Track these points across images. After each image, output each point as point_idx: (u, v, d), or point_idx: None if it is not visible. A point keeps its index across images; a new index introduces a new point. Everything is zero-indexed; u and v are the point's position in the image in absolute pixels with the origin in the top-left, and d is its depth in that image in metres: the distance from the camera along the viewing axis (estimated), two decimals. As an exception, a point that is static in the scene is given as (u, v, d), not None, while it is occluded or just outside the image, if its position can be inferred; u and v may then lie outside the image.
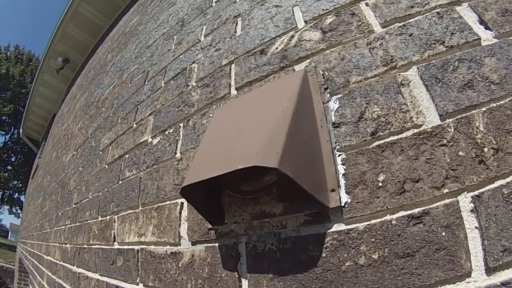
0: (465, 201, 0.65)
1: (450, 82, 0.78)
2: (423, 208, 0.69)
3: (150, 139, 1.82)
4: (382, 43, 0.96)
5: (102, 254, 1.94)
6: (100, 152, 2.67)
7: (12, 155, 35.85)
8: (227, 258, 1.03)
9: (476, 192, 0.65)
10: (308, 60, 1.12)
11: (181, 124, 1.58)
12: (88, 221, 2.39)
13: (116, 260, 1.71)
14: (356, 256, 0.74)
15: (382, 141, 0.81)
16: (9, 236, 42.10)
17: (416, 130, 0.77)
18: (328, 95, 0.98)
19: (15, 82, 32.52)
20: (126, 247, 1.66)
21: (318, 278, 0.78)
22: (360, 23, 1.05)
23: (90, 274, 2.08)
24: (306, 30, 1.20)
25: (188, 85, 1.71)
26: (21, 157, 35.17)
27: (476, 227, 0.62)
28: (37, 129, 11.91)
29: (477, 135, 0.69)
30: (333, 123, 0.92)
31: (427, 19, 0.90)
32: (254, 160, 0.77)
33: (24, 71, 33.24)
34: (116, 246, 1.78)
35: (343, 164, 0.85)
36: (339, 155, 0.87)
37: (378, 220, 0.74)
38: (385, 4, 1.02)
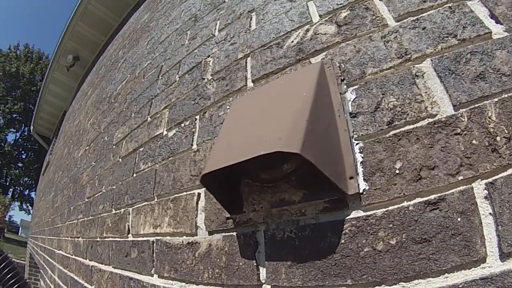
0: (479, 188, 0.67)
1: (463, 73, 0.79)
2: (439, 194, 0.71)
3: (165, 132, 1.84)
4: (396, 36, 0.97)
5: (116, 247, 1.96)
6: (114, 146, 2.70)
7: (23, 152, 36.22)
8: (245, 246, 1.05)
9: (490, 179, 0.66)
10: (324, 53, 1.14)
11: (197, 117, 1.60)
12: (102, 215, 2.41)
13: (130, 252, 1.73)
14: (374, 242, 0.76)
15: (398, 130, 0.83)
16: (20, 232, 42.46)
17: (431, 120, 0.79)
18: (345, 86, 1.00)
19: (25, 80, 32.81)
20: (141, 238, 1.68)
21: (337, 265, 0.80)
22: (374, 17, 1.07)
23: (103, 266, 2.10)
24: (321, 24, 1.22)
25: (204, 79, 1.73)
26: (32, 154, 35.50)
27: (490, 213, 0.64)
28: (47, 126, 11.98)
29: (489, 124, 0.70)
30: (351, 113, 0.94)
31: (440, 13, 0.92)
32: (277, 145, 0.78)
33: (34, 69, 33.51)
34: (130, 238, 1.80)
35: (360, 152, 0.87)
36: (357, 143, 0.89)
37: (396, 206, 0.76)
38: (398, -2, 1.04)
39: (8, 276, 3.41)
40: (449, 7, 0.91)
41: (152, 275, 1.47)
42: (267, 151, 0.79)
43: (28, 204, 36.45)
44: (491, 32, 0.81)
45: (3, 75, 31.82)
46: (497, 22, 0.81)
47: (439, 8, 0.93)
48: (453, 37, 0.86)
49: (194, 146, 1.50)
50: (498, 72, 0.75)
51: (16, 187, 36.52)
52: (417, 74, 0.87)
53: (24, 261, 12.54)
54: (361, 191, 0.82)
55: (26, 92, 32.89)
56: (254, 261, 1.00)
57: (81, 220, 3.00)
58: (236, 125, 1.10)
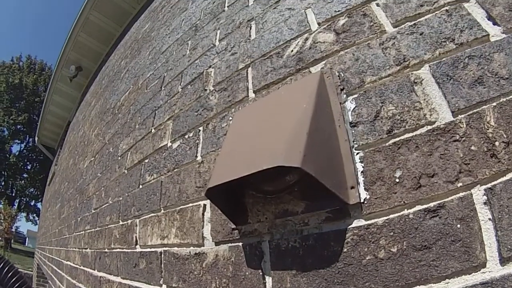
0: (478, 194, 0.67)
1: (461, 79, 0.80)
2: (438, 201, 0.71)
3: (169, 143, 1.86)
4: (394, 42, 0.98)
5: (124, 258, 1.97)
6: (119, 158, 2.71)
7: (28, 163, 36.34)
8: (251, 256, 1.06)
9: (489, 185, 0.67)
10: (324, 62, 1.15)
11: (201, 128, 1.61)
12: (109, 226, 2.42)
13: (139, 262, 1.74)
14: (376, 250, 0.77)
15: (398, 139, 0.83)
16: (27, 242, 42.58)
17: (430, 127, 0.79)
18: (345, 95, 1.00)
19: (29, 91, 32.96)
20: (148, 249, 1.69)
21: (340, 273, 0.81)
22: (372, 23, 1.07)
23: (111, 277, 2.11)
24: (320, 32, 1.23)
25: (206, 89, 1.74)
26: (37, 164, 35.63)
27: (489, 219, 0.64)
28: (52, 137, 12.03)
29: (488, 129, 0.71)
30: (351, 123, 0.95)
31: (437, 17, 0.92)
32: (279, 160, 0.80)
33: (37, 80, 33.70)
34: (138, 249, 1.81)
35: (361, 161, 0.88)
36: (357, 153, 0.90)
37: (396, 214, 0.77)
38: (395, 3, 1.04)
39: (17, 284, 3.42)
40: (446, 10, 0.91)
41: (161, 285, 1.47)
42: (269, 165, 0.81)
43: (34, 215, 36.59)
44: (488, 35, 0.81)
45: (6, 87, 32.00)
46: (495, 23, 0.82)
47: (436, 12, 0.93)
48: (450, 41, 0.86)
49: (199, 158, 1.51)
50: (496, 76, 0.75)
51: (22, 198, 36.66)
52: (415, 81, 0.87)
53: (32, 271, 12.58)
54: (362, 200, 0.83)
55: (30, 103, 33.06)
56: (260, 270, 1.01)
57: (89, 231, 3.00)
58: (239, 138, 1.11)
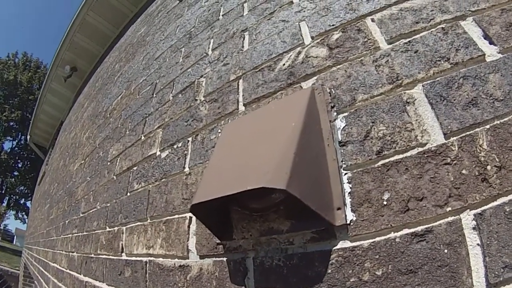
0: (467, 218, 0.67)
1: (454, 100, 0.79)
2: (426, 226, 0.71)
3: (158, 152, 1.84)
4: (388, 60, 0.97)
5: (110, 264, 1.94)
6: (108, 163, 2.69)
7: (19, 161, 36.15)
8: (235, 272, 1.04)
9: (479, 210, 0.66)
10: (315, 77, 1.14)
11: (190, 139, 1.59)
12: (96, 231, 2.40)
13: (124, 270, 1.72)
14: (361, 272, 0.75)
15: (387, 160, 0.82)
16: (15, 241, 42.27)
17: (420, 149, 0.79)
18: (335, 113, 0.99)
19: (23, 88, 32.85)
20: (134, 258, 1.67)
21: (324, 293, 0.80)
22: (366, 39, 1.07)
23: (97, 283, 2.09)
24: (313, 46, 1.22)
25: (196, 100, 1.73)
26: (28, 163, 35.46)
27: (478, 244, 0.63)
28: (44, 136, 11.99)
29: (480, 153, 0.70)
30: (340, 142, 0.93)
31: (432, 35, 0.92)
32: (263, 181, 0.78)
33: (32, 78, 33.60)
34: (124, 257, 1.79)
35: (349, 182, 0.86)
36: (345, 173, 0.88)
37: (383, 237, 0.76)
38: (391, 20, 1.04)
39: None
40: (442, 28, 0.91)
41: (145, 295, 1.45)
42: (253, 186, 0.80)
43: (23, 213, 36.35)
44: (484, 54, 0.81)
45: (1, 83, 31.86)
46: (491, 43, 0.81)
47: (432, 30, 0.93)
48: (445, 60, 0.86)
49: (186, 169, 1.50)
50: (491, 97, 0.74)
51: (12, 196, 36.44)
52: (408, 100, 0.86)
53: (18, 270, 12.48)
54: (348, 222, 0.82)
55: (24, 100, 32.89)
56: (243, 287, 0.99)
57: (76, 235, 2.98)
58: (226, 153, 1.10)
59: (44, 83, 9.46)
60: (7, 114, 32.57)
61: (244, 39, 1.64)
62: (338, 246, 0.81)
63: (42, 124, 11.27)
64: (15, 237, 43.45)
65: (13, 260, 19.25)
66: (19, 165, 36.18)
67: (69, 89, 8.89)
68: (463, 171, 0.71)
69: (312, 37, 1.25)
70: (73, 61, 7.87)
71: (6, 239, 37.73)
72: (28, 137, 12.35)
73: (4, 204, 33.73)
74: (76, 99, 8.33)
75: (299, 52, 1.26)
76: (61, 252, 3.51)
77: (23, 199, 36.92)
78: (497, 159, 0.68)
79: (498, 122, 0.71)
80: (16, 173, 35.46)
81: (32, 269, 6.59)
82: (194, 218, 1.32)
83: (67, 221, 3.54)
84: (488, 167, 0.68)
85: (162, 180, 1.66)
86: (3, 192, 35.18)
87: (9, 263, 17.38)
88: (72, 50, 7.54)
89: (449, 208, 0.69)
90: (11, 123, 33.82)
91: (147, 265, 1.51)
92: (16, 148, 35.41)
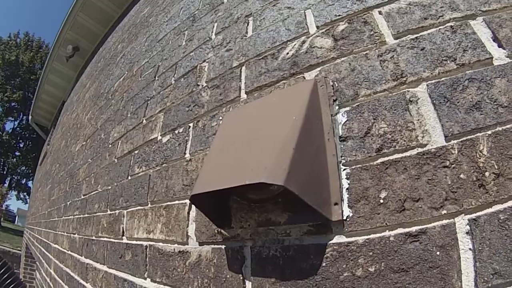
0: (461, 223, 0.67)
1: (458, 102, 0.78)
2: (420, 227, 0.71)
3: (159, 137, 1.84)
4: (393, 55, 0.95)
5: (111, 247, 1.97)
6: (110, 146, 2.69)
7: (21, 141, 36.21)
8: (232, 260, 1.06)
9: (473, 216, 0.66)
10: (319, 69, 1.12)
11: (191, 124, 1.59)
12: (97, 214, 2.42)
13: (125, 254, 1.74)
14: (354, 267, 0.77)
15: (386, 158, 0.82)
16: (16, 221, 42.49)
17: (420, 150, 0.78)
18: (337, 107, 0.98)
19: (25, 68, 32.69)
20: (134, 242, 1.69)
21: (317, 286, 0.81)
22: (372, 32, 1.04)
23: (98, 265, 2.12)
24: (318, 36, 1.20)
25: (198, 85, 1.71)
26: (30, 143, 35.51)
27: (470, 249, 0.64)
28: (46, 116, 11.96)
29: (480, 158, 0.70)
30: (340, 137, 0.93)
31: (440, 33, 0.89)
32: (262, 176, 0.79)
33: (34, 58, 33.41)
34: (125, 240, 1.81)
35: (347, 178, 0.87)
36: (344, 169, 0.88)
37: (377, 235, 0.76)
38: (399, 14, 1.01)
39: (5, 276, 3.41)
40: (451, 26, 0.89)
41: (145, 278, 1.48)
42: (252, 181, 0.80)
43: (25, 193, 36.51)
44: (492, 58, 0.79)
45: (2, 63, 31.63)
46: (500, 46, 0.79)
47: (440, 27, 0.90)
48: (452, 60, 0.84)
49: (187, 155, 1.50)
50: (495, 103, 0.73)
51: (14, 176, 36.56)
52: (411, 99, 0.85)
53: (20, 251, 12.56)
54: (344, 217, 0.83)
55: (26, 80, 32.74)
56: (240, 275, 1.01)
57: (77, 216, 3.00)
58: (227, 143, 1.10)
59: (46, 63, 9.39)
60: (8, 94, 32.46)
61: (248, 24, 1.62)
62: (334, 241, 0.83)
63: (44, 104, 11.23)
64: (16, 217, 43.67)
65: (14, 240, 19.35)
66: (21, 145, 36.24)
67: (71, 68, 8.81)
68: (461, 176, 0.71)
69: (318, 27, 1.23)
70: (76, 40, 7.79)
71: (7, 219, 37.87)
72: (30, 117, 12.32)
73: (6, 185, 33.78)
74: (78, 79, 8.27)
75: (304, 42, 1.24)
76: (63, 233, 3.54)
77: (24, 179, 37.08)
78: (496, 166, 0.68)
79: (500, 128, 0.70)
80: (17, 153, 35.54)
81: (34, 250, 6.63)
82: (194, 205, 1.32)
83: (68, 203, 3.56)
84: (487, 174, 0.68)
85: (163, 165, 1.66)
86: (4, 172, 35.28)
87: (11, 243, 17.47)
88: (74, 29, 7.46)
89: (445, 211, 0.70)
90: (13, 104, 33.71)
91: (147, 249, 1.53)
92: (18, 128, 35.40)
